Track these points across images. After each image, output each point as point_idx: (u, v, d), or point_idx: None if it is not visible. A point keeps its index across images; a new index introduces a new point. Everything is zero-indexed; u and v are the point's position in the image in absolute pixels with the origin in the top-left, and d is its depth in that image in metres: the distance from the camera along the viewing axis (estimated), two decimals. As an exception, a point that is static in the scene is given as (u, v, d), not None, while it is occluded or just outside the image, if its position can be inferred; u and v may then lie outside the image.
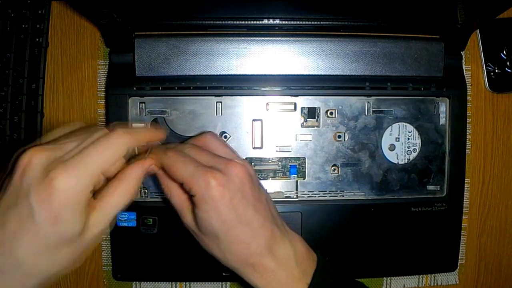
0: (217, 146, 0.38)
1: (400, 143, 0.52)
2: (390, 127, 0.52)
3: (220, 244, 0.35)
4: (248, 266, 0.36)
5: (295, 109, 0.51)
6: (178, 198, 0.37)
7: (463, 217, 0.54)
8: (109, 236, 0.52)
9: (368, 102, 0.52)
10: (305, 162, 0.52)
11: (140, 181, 0.34)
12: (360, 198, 0.52)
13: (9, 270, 0.28)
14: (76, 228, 0.29)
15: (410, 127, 0.52)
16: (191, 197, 0.35)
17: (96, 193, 0.31)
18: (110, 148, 0.30)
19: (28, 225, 0.27)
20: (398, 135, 0.52)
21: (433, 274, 0.56)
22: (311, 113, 0.52)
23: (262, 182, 0.51)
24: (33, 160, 0.28)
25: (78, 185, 0.28)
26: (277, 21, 0.50)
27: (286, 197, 0.52)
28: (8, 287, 0.29)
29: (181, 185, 0.35)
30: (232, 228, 0.34)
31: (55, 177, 0.27)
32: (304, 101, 0.51)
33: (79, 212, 0.29)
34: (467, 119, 0.54)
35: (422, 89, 0.51)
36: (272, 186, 0.52)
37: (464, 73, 0.53)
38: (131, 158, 0.35)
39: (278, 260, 0.35)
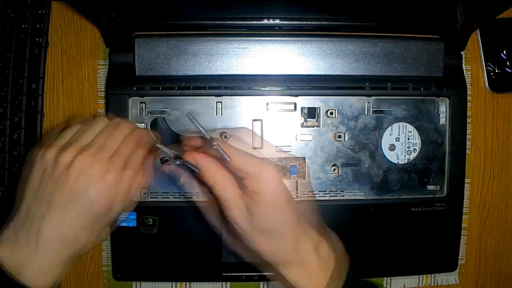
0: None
1: (400, 143, 0.52)
2: (390, 127, 0.52)
3: (271, 241, 0.36)
4: (293, 263, 0.36)
5: (295, 109, 0.51)
6: (230, 189, 0.35)
7: (463, 217, 0.54)
8: (109, 236, 0.52)
9: (368, 102, 0.52)
10: (305, 162, 0.52)
11: (151, 173, 0.39)
12: (360, 198, 0.52)
13: (63, 247, 0.34)
14: (118, 213, 0.36)
15: (410, 127, 0.52)
16: (246, 193, 0.35)
17: None
18: (142, 153, 0.37)
19: (87, 214, 0.34)
20: (398, 135, 0.52)
21: (433, 274, 0.56)
22: (311, 113, 0.52)
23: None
24: (88, 165, 0.34)
25: (127, 183, 0.35)
26: (277, 21, 0.50)
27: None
28: (57, 261, 0.34)
29: (235, 179, 0.35)
30: (289, 228, 0.35)
31: (109, 176, 0.34)
32: (304, 101, 0.51)
33: (124, 204, 0.36)
34: (467, 119, 0.54)
35: (422, 89, 0.51)
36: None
37: (464, 73, 0.53)
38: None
39: (322, 260, 0.37)
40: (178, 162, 0.37)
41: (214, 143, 0.34)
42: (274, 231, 0.35)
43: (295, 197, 0.52)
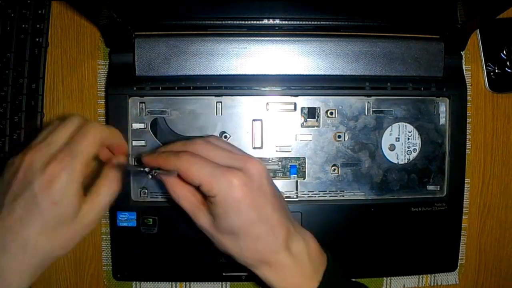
0: (225, 145, 0.38)
1: (400, 143, 0.52)
2: (390, 127, 0.52)
3: (238, 242, 0.35)
4: (264, 263, 0.36)
5: (295, 109, 0.51)
6: (189, 201, 0.37)
7: (463, 217, 0.54)
8: (109, 236, 0.52)
9: (368, 102, 0.52)
10: (305, 162, 0.52)
11: (120, 179, 0.38)
12: (360, 198, 0.52)
13: (17, 250, 0.33)
14: (71, 209, 0.34)
15: (410, 127, 0.52)
16: (206, 198, 0.35)
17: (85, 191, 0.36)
18: (89, 140, 0.35)
19: (33, 209, 0.33)
20: (398, 135, 0.52)
21: (433, 274, 0.56)
22: (311, 113, 0.52)
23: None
24: (33, 160, 0.33)
25: (70, 172, 0.34)
26: (277, 21, 0.50)
27: (286, 197, 0.52)
28: (16, 267, 0.33)
29: (194, 188, 0.36)
30: (252, 226, 0.35)
31: (52, 169, 0.33)
32: (304, 101, 0.51)
33: (73, 196, 0.34)
34: (467, 119, 0.54)
35: (422, 89, 0.51)
36: (272, 186, 0.52)
37: (464, 73, 0.53)
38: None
39: (293, 257, 0.36)
40: (150, 175, 0.38)
41: (152, 173, 0.37)
42: (236, 232, 0.35)
43: (294, 197, 0.52)
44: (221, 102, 0.51)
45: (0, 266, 0.33)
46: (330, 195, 0.52)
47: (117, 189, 0.37)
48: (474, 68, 0.56)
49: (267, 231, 0.35)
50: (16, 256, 0.33)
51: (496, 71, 0.55)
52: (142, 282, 0.54)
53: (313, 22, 0.49)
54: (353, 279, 0.42)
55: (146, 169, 0.37)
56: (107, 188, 0.37)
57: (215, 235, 0.36)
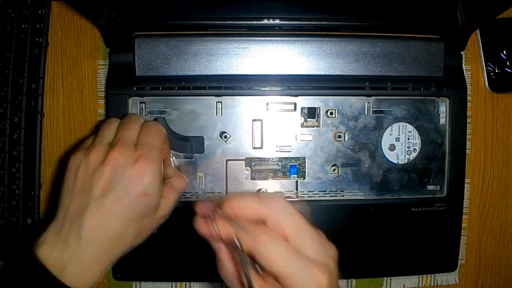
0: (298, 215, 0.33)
1: (400, 143, 0.52)
2: (390, 127, 0.52)
3: None
4: None
5: (295, 109, 0.51)
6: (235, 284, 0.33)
7: (463, 217, 0.54)
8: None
9: (368, 102, 0.52)
10: (305, 162, 0.52)
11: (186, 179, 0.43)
12: (360, 198, 0.52)
13: (106, 244, 0.36)
14: (157, 199, 0.38)
15: (410, 127, 0.52)
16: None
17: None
18: (161, 138, 0.41)
19: (124, 201, 0.36)
20: (398, 135, 0.52)
21: (433, 274, 0.56)
22: (311, 113, 0.52)
23: (262, 182, 0.52)
24: (120, 157, 0.37)
25: (157, 166, 0.38)
26: (277, 21, 0.50)
27: (286, 197, 0.52)
28: (101, 259, 0.36)
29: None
30: None
31: (141, 163, 0.37)
32: (304, 101, 0.51)
33: (158, 188, 0.38)
34: (467, 119, 0.54)
35: (422, 89, 0.51)
36: (272, 186, 0.52)
37: (464, 73, 0.53)
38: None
39: None
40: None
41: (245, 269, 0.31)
42: None
43: (294, 197, 0.52)
44: (221, 102, 0.51)
45: (86, 260, 0.35)
46: (330, 195, 0.52)
47: (185, 185, 0.43)
48: (474, 68, 0.56)
49: None
50: (103, 249, 0.36)
51: (496, 71, 0.55)
52: (142, 282, 0.54)
53: (313, 22, 0.49)
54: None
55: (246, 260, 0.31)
56: (179, 183, 0.42)
57: None
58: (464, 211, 0.54)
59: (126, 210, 0.36)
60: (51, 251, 0.34)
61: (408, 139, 0.52)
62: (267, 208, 0.32)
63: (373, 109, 0.52)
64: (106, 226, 0.36)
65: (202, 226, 0.34)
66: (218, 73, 0.50)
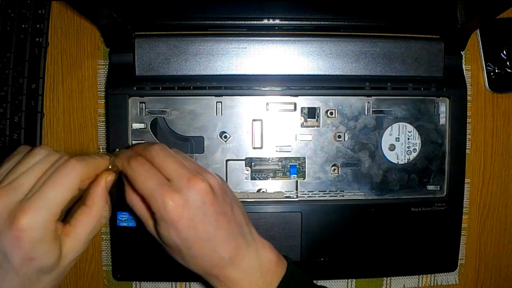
0: (182, 157, 0.37)
1: (400, 143, 0.52)
2: (390, 127, 0.52)
3: (183, 256, 0.36)
4: (212, 276, 0.36)
5: (295, 109, 0.51)
6: (140, 209, 0.36)
7: (463, 217, 0.54)
8: (109, 236, 0.52)
9: (368, 102, 0.52)
10: (305, 162, 0.52)
11: (106, 199, 0.35)
12: (360, 198, 0.52)
13: None
14: (52, 258, 0.31)
15: (410, 127, 0.52)
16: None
17: (70, 216, 0.33)
18: (64, 186, 0.31)
19: (7, 267, 0.29)
20: (398, 135, 0.52)
21: (433, 274, 0.56)
22: (311, 113, 0.52)
23: (262, 182, 0.52)
24: None
25: (42, 222, 0.30)
26: (277, 21, 0.50)
27: (286, 197, 0.52)
28: None
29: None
30: (193, 244, 0.34)
31: (19, 221, 0.29)
32: (304, 101, 0.51)
33: (50, 244, 0.30)
34: (467, 119, 0.54)
35: (422, 89, 0.51)
36: (272, 186, 0.52)
37: (464, 73, 0.53)
38: None
39: (242, 271, 0.36)
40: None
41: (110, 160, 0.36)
42: (178, 249, 0.35)
43: (294, 197, 0.52)
44: (221, 102, 0.51)
45: None
46: (330, 195, 0.52)
47: (102, 216, 0.34)
48: (474, 68, 0.56)
49: (209, 248, 0.35)
50: None
51: (496, 71, 0.55)
52: (142, 282, 0.54)
53: (313, 22, 0.49)
54: (318, 284, 0.41)
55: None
56: (89, 217, 0.33)
57: (164, 246, 0.37)
58: (464, 211, 0.54)
59: (13, 277, 0.30)
60: None
61: (408, 139, 0.52)
62: (147, 149, 0.36)
63: (373, 109, 0.52)
64: None
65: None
66: (218, 73, 0.50)
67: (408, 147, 0.52)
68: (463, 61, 0.55)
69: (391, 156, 0.52)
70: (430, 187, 0.53)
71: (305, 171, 0.52)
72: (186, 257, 0.35)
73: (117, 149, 0.38)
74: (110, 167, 0.36)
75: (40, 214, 0.29)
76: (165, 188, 0.33)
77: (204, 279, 0.37)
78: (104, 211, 0.34)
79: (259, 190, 0.52)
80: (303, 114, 0.52)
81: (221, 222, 0.35)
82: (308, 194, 0.52)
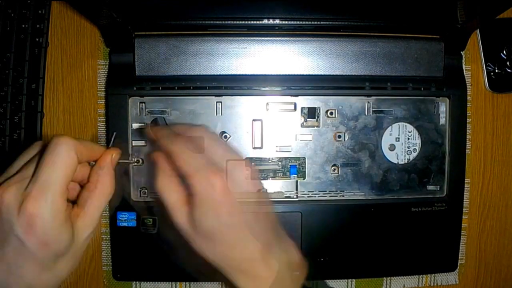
0: (227, 145, 0.37)
1: (400, 143, 0.52)
2: (390, 127, 0.52)
3: (214, 246, 0.35)
4: (240, 271, 0.35)
5: (295, 109, 0.51)
6: (173, 195, 0.35)
7: (463, 217, 0.54)
8: (109, 236, 0.52)
9: (368, 102, 0.52)
10: (305, 162, 0.52)
11: (113, 176, 0.34)
12: (360, 198, 0.52)
13: (23, 286, 0.31)
14: (65, 241, 0.31)
15: (410, 127, 0.52)
16: (189, 195, 0.34)
17: (78, 198, 0.33)
18: (57, 161, 0.30)
19: (24, 253, 0.30)
20: (398, 135, 0.52)
21: (433, 274, 0.56)
22: (311, 113, 0.52)
23: (262, 182, 0.52)
24: (5, 199, 0.29)
25: (49, 203, 0.29)
26: (277, 21, 0.50)
27: (286, 197, 0.52)
28: None
29: (180, 180, 0.35)
30: (229, 232, 0.34)
31: (28, 208, 0.29)
32: (304, 101, 0.51)
33: (62, 227, 0.30)
34: (467, 119, 0.54)
35: (422, 89, 0.51)
36: (272, 186, 0.52)
37: (464, 73, 0.53)
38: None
39: (271, 269, 0.35)
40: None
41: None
42: (213, 235, 0.34)
43: (294, 197, 0.52)
44: (221, 102, 0.51)
45: None
46: (330, 195, 0.52)
47: (109, 192, 0.34)
48: (474, 68, 0.56)
49: (244, 239, 0.34)
50: None
51: (496, 71, 0.55)
52: (142, 282, 0.54)
53: (313, 22, 0.49)
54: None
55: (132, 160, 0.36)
56: (98, 195, 0.33)
57: (191, 234, 0.35)
58: (464, 211, 0.54)
59: (31, 262, 0.30)
60: None
61: (408, 139, 0.52)
62: (193, 130, 0.37)
63: (373, 109, 0.52)
64: (16, 275, 0.31)
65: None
66: (218, 73, 0.50)
67: (408, 147, 0.52)
68: (463, 61, 0.55)
69: (391, 156, 0.52)
70: (430, 187, 0.53)
71: (305, 171, 0.52)
72: (218, 247, 0.35)
73: (115, 133, 0.38)
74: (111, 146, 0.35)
75: (44, 197, 0.29)
76: (214, 168, 0.33)
77: (226, 275, 0.36)
78: (111, 187, 0.34)
79: (259, 190, 0.52)
80: (303, 114, 0.52)
81: (258, 215, 0.35)
82: (308, 194, 0.52)
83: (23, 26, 0.51)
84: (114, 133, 0.37)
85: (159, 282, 0.54)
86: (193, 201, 0.34)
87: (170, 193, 0.35)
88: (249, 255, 0.35)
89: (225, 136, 0.51)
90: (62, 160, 0.30)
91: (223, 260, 0.35)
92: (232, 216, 0.34)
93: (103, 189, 0.33)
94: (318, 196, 0.52)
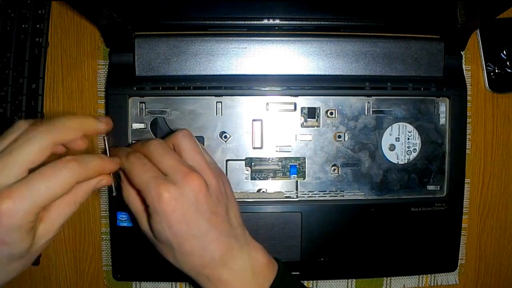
0: (187, 147, 0.37)
1: (400, 143, 0.52)
2: (390, 127, 0.52)
3: (174, 253, 0.36)
4: (202, 276, 0.36)
5: (295, 109, 0.51)
6: (135, 204, 0.37)
7: (463, 217, 0.54)
8: (109, 236, 0.52)
9: (368, 102, 0.52)
10: (305, 162, 0.52)
11: (89, 193, 0.34)
12: (360, 198, 0.52)
13: None
14: (23, 246, 0.30)
15: (410, 127, 0.52)
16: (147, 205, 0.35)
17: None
18: (57, 181, 0.30)
19: None
20: (398, 135, 0.52)
21: (433, 274, 0.56)
22: (311, 113, 0.52)
23: (262, 182, 0.52)
24: None
25: (23, 210, 0.29)
26: (277, 21, 0.50)
27: (286, 197, 0.52)
28: None
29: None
30: (184, 240, 0.34)
31: (2, 205, 0.28)
32: (304, 101, 0.51)
33: (25, 233, 0.30)
34: (467, 119, 0.54)
35: (422, 89, 0.51)
36: (272, 186, 0.52)
37: (464, 73, 0.53)
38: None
39: (233, 272, 0.36)
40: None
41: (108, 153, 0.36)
42: (171, 244, 0.35)
43: (294, 197, 0.52)
44: (221, 102, 0.51)
45: None
46: (330, 195, 0.52)
47: (78, 204, 0.34)
48: (474, 68, 0.56)
49: (200, 247, 0.35)
50: None
51: (496, 71, 0.55)
52: (142, 282, 0.54)
53: (313, 22, 0.49)
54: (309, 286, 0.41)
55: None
56: (66, 204, 0.33)
57: (153, 241, 0.37)
58: (464, 211, 0.54)
59: None
60: None
61: (408, 139, 0.52)
62: (145, 145, 0.37)
63: (373, 109, 0.52)
64: None
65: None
66: (218, 73, 0.50)
67: (408, 147, 0.52)
68: (463, 61, 0.55)
69: (391, 156, 0.52)
70: (430, 187, 0.53)
71: (305, 171, 0.52)
72: (177, 254, 0.35)
73: (105, 136, 0.38)
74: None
75: (23, 203, 0.29)
76: (161, 180, 0.34)
77: (194, 280, 0.37)
78: (81, 198, 0.34)
79: (259, 190, 0.52)
80: (303, 114, 0.52)
81: (214, 221, 0.35)
82: (308, 194, 0.52)
83: (23, 26, 0.51)
84: (105, 136, 0.38)
85: (159, 282, 0.54)
86: (148, 210, 0.35)
87: (133, 204, 0.37)
88: (208, 261, 0.35)
89: (225, 136, 0.51)
90: (60, 187, 0.30)
91: (185, 266, 0.36)
92: (183, 224, 0.34)
93: (75, 203, 0.33)
94: (318, 196, 0.52)
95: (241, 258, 0.36)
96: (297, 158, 0.52)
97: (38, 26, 0.52)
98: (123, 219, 0.50)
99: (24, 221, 0.29)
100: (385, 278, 0.56)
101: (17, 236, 0.29)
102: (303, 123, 0.52)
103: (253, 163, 0.51)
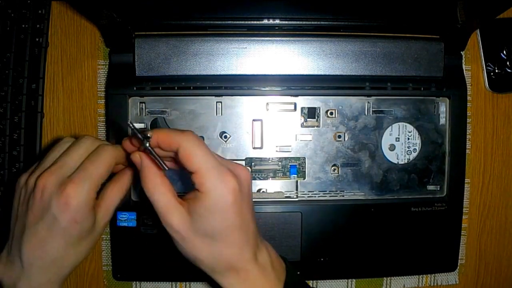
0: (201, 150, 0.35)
1: (400, 143, 0.52)
2: (390, 127, 0.52)
3: (212, 246, 0.34)
4: (233, 270, 0.35)
5: (295, 109, 0.51)
6: (167, 194, 0.34)
7: (463, 217, 0.54)
8: (109, 236, 0.52)
9: (368, 102, 0.52)
10: (305, 162, 0.52)
11: (131, 179, 0.41)
12: (360, 198, 0.52)
13: (47, 266, 0.36)
14: (90, 222, 0.37)
15: (410, 127, 0.52)
16: (191, 192, 0.34)
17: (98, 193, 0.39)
18: (102, 163, 0.37)
19: (55, 230, 0.35)
20: (398, 135, 0.52)
21: (433, 274, 0.56)
22: (311, 113, 0.52)
23: (262, 182, 0.52)
24: (48, 183, 0.35)
25: (85, 192, 0.36)
26: (277, 21, 0.50)
27: (286, 197, 0.52)
28: (48, 280, 0.37)
29: (171, 185, 0.35)
30: (233, 232, 0.34)
31: (68, 190, 0.35)
32: (304, 101, 0.51)
33: (89, 211, 0.36)
34: (467, 119, 0.54)
35: (422, 89, 0.51)
36: (272, 186, 0.52)
37: (464, 73, 0.53)
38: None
39: (260, 266, 0.36)
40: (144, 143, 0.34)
41: (147, 145, 0.33)
42: (214, 235, 0.34)
43: (294, 197, 0.52)
44: (221, 102, 0.51)
45: (33, 281, 0.36)
46: (330, 195, 0.52)
47: (125, 189, 0.40)
48: (474, 68, 0.56)
49: (244, 239, 0.35)
50: (47, 270, 0.36)
51: (496, 71, 0.55)
52: (142, 282, 0.54)
53: (313, 22, 0.49)
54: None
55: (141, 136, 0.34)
56: (116, 191, 0.39)
57: (187, 237, 0.34)
58: (464, 211, 0.54)
59: (60, 238, 0.36)
60: (4, 269, 0.37)
61: (408, 139, 0.52)
62: (181, 138, 0.34)
63: (373, 109, 0.52)
64: (43, 251, 0.36)
65: (127, 144, 0.37)
66: (218, 73, 0.50)
67: (408, 147, 0.52)
68: (463, 61, 0.55)
69: (391, 156, 0.52)
70: (430, 187, 0.53)
71: (305, 171, 0.52)
72: (216, 247, 0.34)
73: (130, 122, 0.36)
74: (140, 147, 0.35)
75: (84, 185, 0.35)
76: (227, 169, 0.34)
77: (214, 277, 0.36)
78: (126, 185, 0.40)
79: (259, 190, 0.52)
80: (303, 114, 0.52)
81: (253, 214, 0.36)
82: (308, 194, 0.52)
83: (23, 26, 0.51)
84: (130, 123, 0.35)
85: (159, 282, 0.54)
86: (199, 198, 0.33)
87: (163, 193, 0.34)
88: (245, 254, 0.35)
89: (225, 136, 0.51)
90: (104, 163, 0.37)
91: (218, 260, 0.35)
92: (239, 216, 0.34)
93: (121, 188, 0.40)
94: (318, 196, 0.52)
95: (263, 252, 0.37)
96: (297, 158, 0.52)
97: (38, 26, 0.52)
98: (123, 219, 0.50)
99: (88, 199, 0.36)
100: (385, 278, 0.56)
101: (84, 213, 0.36)
102: (303, 123, 0.52)
103: (253, 163, 0.51)
